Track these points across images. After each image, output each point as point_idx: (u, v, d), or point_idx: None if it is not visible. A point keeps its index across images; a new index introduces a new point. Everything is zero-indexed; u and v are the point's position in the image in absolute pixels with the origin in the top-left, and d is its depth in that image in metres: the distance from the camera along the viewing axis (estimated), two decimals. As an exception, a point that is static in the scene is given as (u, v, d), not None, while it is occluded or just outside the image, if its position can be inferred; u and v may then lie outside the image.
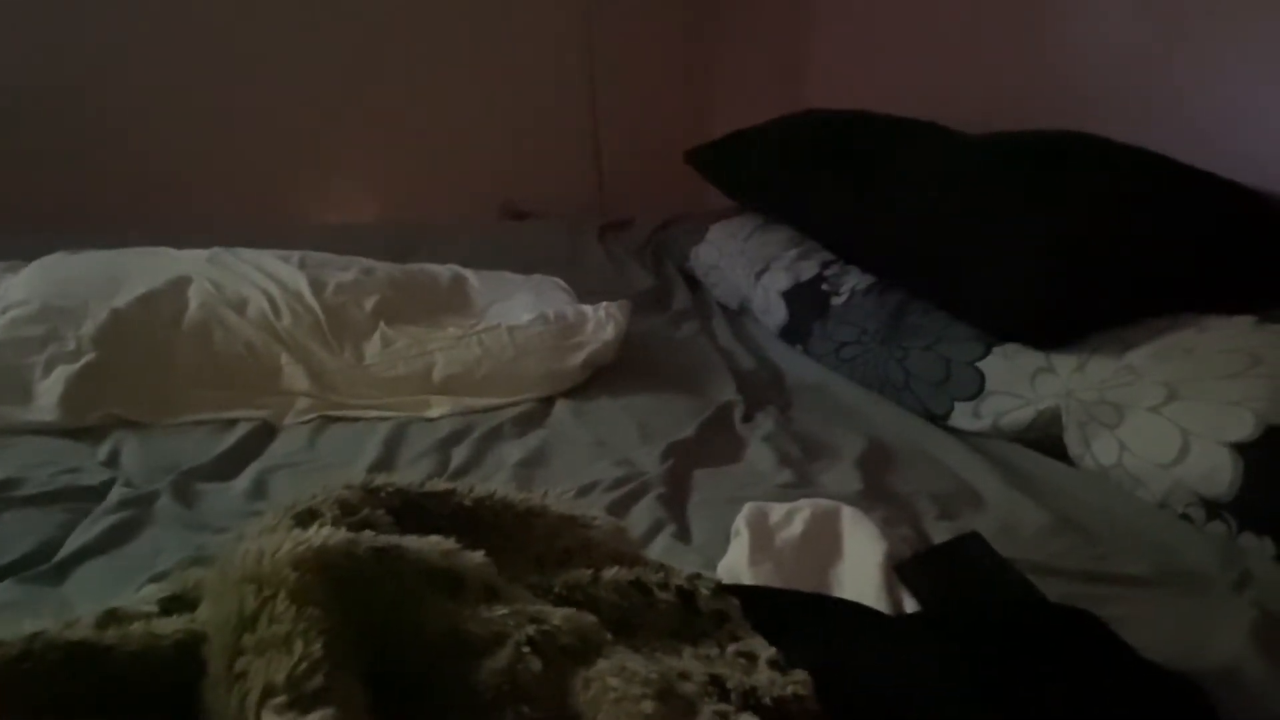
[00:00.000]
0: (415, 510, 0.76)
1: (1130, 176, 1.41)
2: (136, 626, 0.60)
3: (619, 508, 1.08)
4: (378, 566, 0.65)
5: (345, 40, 2.56)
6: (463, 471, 1.19)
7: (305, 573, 0.61)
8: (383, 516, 0.73)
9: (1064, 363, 1.25)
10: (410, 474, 1.17)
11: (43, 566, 0.95)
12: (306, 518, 0.70)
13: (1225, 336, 1.19)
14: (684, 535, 1.05)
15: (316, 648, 0.56)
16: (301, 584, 0.60)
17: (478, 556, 0.69)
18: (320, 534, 0.64)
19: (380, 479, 0.76)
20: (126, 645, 0.59)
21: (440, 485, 0.78)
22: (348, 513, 0.71)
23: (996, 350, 1.32)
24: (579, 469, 1.19)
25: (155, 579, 0.91)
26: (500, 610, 0.66)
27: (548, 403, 1.39)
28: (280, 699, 0.53)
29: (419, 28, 2.61)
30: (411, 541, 0.68)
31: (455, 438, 1.27)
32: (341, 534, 0.65)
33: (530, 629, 0.64)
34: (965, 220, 1.43)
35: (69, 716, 0.57)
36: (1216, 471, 1.05)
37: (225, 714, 0.55)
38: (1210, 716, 0.71)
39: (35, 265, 1.53)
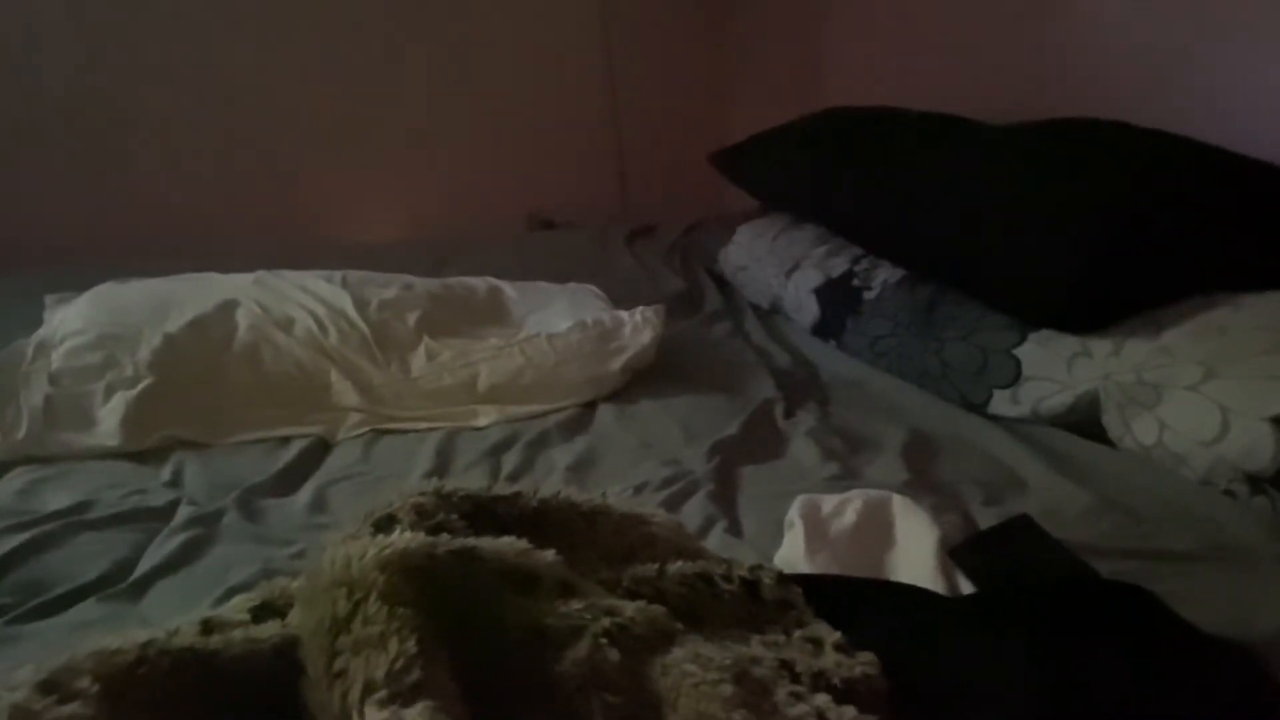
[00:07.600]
0: (485, 513, 0.79)
1: (1157, 159, 1.42)
2: (237, 632, 0.63)
3: (670, 506, 1.10)
4: (457, 567, 0.68)
5: (367, 59, 2.60)
6: (514, 477, 1.22)
7: (392, 575, 0.64)
8: (456, 520, 0.76)
9: (1100, 347, 1.27)
10: (465, 481, 1.21)
11: (121, 585, 0.99)
12: (386, 523, 0.73)
13: (1258, 313, 1.21)
14: (736, 530, 1.07)
15: (411, 644, 0.59)
16: (390, 585, 0.63)
17: (549, 555, 0.72)
18: (402, 538, 0.67)
19: (451, 484, 0.79)
20: (229, 650, 0.62)
21: (507, 488, 0.81)
22: (424, 517, 0.74)
23: (1032, 337, 1.34)
24: (627, 470, 1.21)
25: (231, 592, 0.94)
26: (575, 605, 0.69)
27: (590, 407, 1.41)
28: (381, 694, 0.57)
29: (440, 44, 2.66)
30: (486, 542, 0.71)
31: (504, 445, 1.30)
32: (421, 537, 0.68)
33: (605, 621, 0.67)
34: (995, 208, 1.45)
35: (179, 716, 0.60)
36: (1257, 447, 1.06)
37: (328, 711, 0.58)
38: (1271, 687, 0.73)
39: (87, 296, 1.57)
